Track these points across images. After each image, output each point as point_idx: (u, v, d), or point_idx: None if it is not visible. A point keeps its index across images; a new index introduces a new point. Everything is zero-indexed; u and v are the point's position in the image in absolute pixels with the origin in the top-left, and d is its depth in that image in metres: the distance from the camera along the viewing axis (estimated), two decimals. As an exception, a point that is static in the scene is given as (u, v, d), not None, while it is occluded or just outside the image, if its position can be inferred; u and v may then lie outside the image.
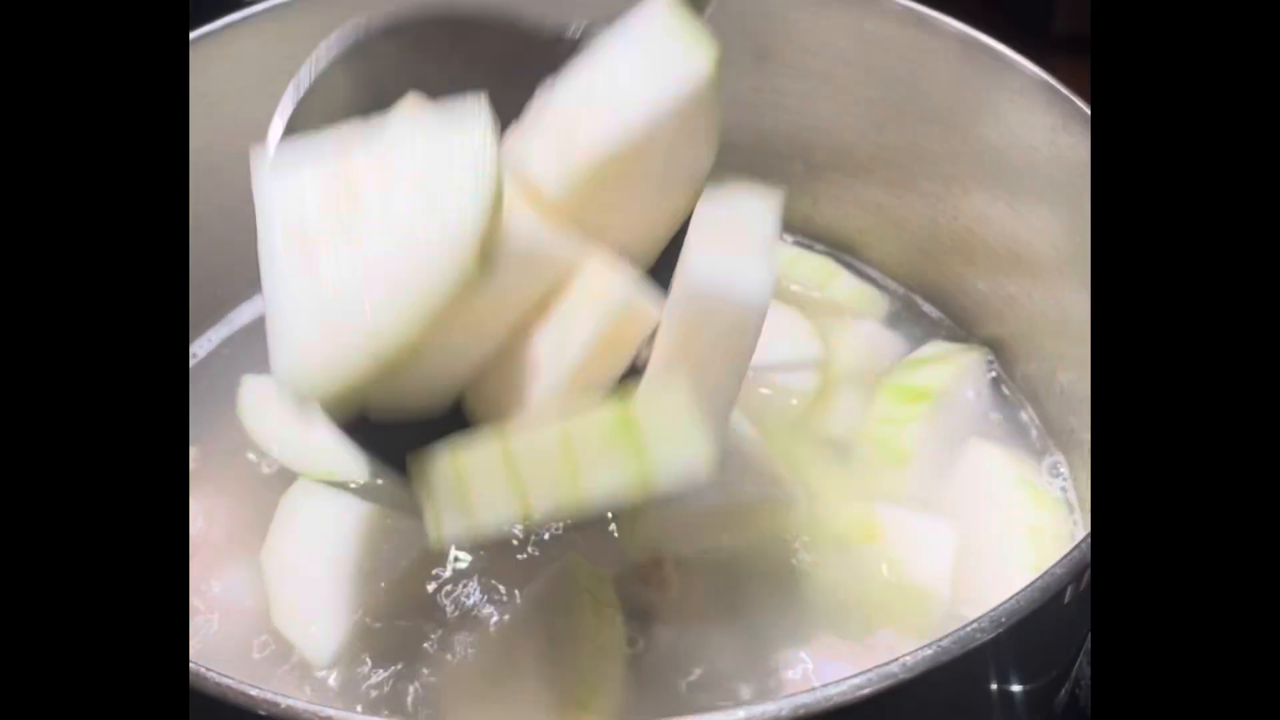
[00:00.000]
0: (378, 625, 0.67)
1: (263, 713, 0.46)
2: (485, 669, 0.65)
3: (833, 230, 0.91)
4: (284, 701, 0.46)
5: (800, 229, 0.92)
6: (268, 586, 0.69)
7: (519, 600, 0.68)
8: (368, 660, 0.66)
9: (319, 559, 0.69)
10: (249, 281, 0.84)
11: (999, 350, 0.83)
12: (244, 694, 0.47)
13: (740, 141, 0.90)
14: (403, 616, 0.68)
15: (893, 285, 0.89)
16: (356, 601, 0.67)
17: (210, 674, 0.47)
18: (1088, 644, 0.62)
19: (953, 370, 0.80)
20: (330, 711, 0.46)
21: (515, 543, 0.71)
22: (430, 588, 0.69)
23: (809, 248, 0.92)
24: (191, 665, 0.47)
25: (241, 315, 0.87)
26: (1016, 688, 0.56)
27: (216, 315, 0.86)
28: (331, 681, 0.65)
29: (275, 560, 0.70)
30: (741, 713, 0.45)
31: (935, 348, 0.84)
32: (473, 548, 0.71)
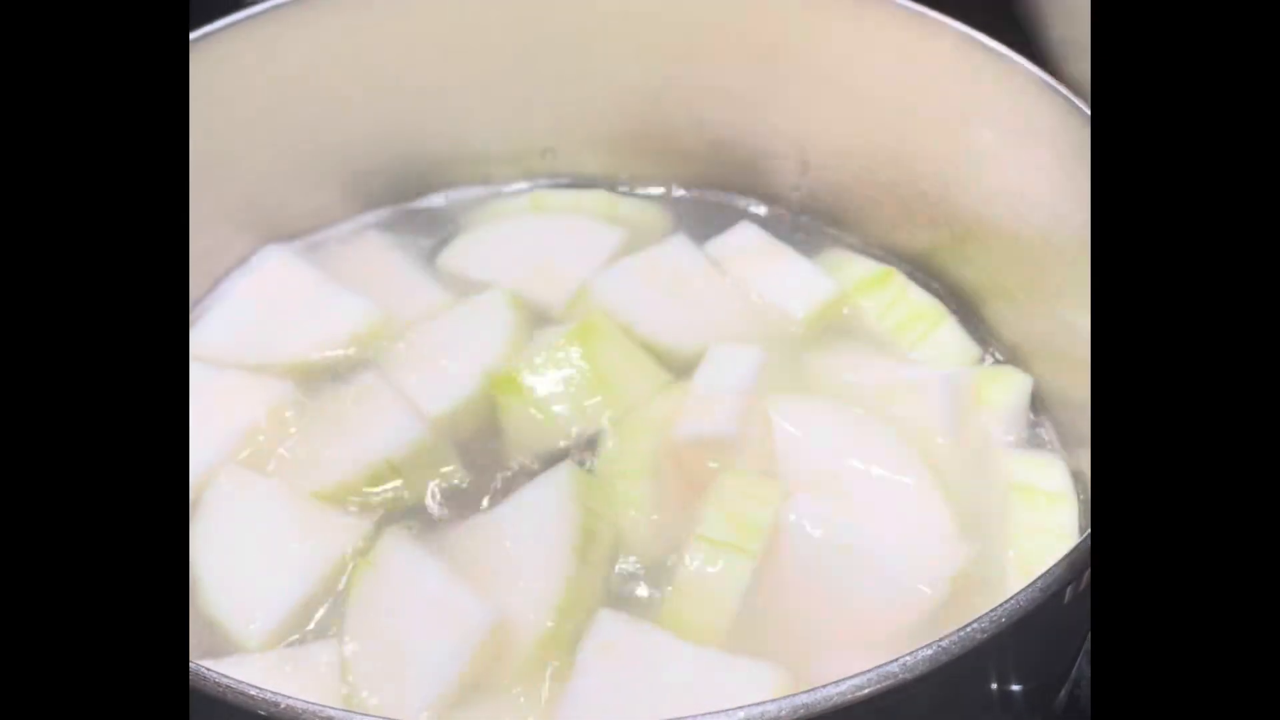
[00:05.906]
0: (314, 607, 0.67)
1: (263, 713, 0.46)
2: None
3: (832, 229, 0.91)
4: (284, 701, 0.46)
5: (799, 228, 0.92)
6: (195, 570, 0.68)
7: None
8: (304, 639, 0.66)
9: (250, 545, 0.69)
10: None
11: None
12: (244, 694, 0.47)
13: (740, 141, 0.90)
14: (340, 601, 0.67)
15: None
16: (290, 585, 0.67)
17: (210, 674, 0.47)
18: (1088, 644, 0.62)
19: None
20: (331, 711, 0.46)
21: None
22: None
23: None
24: (191, 665, 0.47)
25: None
26: (1016, 688, 0.56)
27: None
28: (272, 659, 0.65)
29: (204, 546, 0.69)
30: (741, 714, 0.45)
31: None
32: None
